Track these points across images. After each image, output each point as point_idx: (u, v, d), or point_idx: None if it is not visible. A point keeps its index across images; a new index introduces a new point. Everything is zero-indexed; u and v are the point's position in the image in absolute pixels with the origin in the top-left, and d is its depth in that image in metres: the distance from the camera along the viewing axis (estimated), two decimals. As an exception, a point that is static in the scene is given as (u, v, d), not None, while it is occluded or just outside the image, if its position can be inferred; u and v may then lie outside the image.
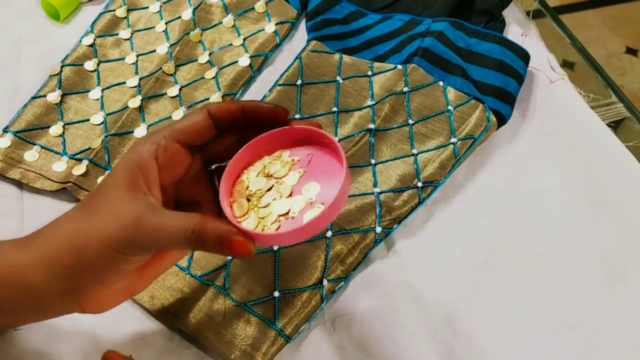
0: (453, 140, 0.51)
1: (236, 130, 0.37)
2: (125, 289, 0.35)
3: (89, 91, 0.56)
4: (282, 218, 0.34)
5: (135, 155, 0.34)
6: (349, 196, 0.49)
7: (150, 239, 0.32)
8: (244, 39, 0.61)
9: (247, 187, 0.36)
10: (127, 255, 0.32)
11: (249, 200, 0.35)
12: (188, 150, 0.36)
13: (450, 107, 0.54)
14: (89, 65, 0.57)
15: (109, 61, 0.59)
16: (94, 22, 0.61)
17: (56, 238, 0.33)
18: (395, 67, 0.57)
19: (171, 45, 0.60)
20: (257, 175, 0.36)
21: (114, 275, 0.33)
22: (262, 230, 0.33)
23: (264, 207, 0.34)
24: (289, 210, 0.34)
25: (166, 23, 0.62)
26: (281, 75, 0.58)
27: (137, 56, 0.59)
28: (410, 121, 0.53)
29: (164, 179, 0.35)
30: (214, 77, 0.58)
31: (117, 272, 0.33)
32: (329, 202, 0.32)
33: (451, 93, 0.55)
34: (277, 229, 0.33)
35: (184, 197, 0.37)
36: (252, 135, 0.36)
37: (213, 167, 0.38)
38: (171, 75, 0.58)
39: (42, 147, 0.51)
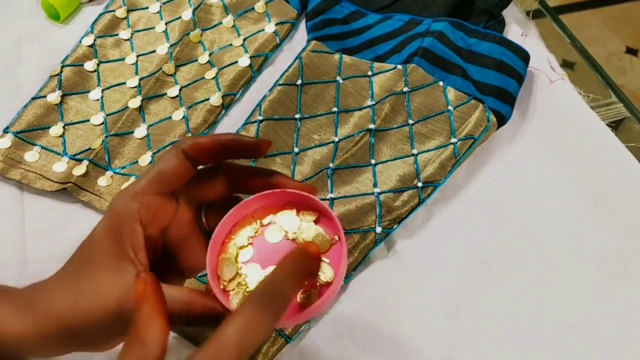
0: (453, 140, 0.51)
1: (226, 174, 0.35)
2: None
3: (89, 91, 0.56)
4: None
5: (117, 221, 0.32)
6: (349, 196, 0.49)
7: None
8: (244, 39, 0.61)
9: (237, 256, 0.33)
10: (118, 334, 0.32)
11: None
12: (171, 197, 0.34)
13: (450, 107, 0.54)
14: (89, 65, 0.58)
15: (109, 61, 0.59)
16: (94, 23, 0.61)
17: (49, 314, 0.32)
18: (395, 67, 0.57)
19: (171, 46, 0.60)
20: (246, 243, 0.34)
21: (110, 346, 0.33)
22: None
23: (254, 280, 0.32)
24: None
25: (166, 23, 0.62)
26: (281, 75, 0.58)
27: (137, 56, 0.59)
28: (410, 121, 0.53)
29: (150, 232, 0.33)
30: (214, 78, 0.58)
31: (112, 344, 0.33)
32: (325, 282, 0.30)
33: (451, 93, 0.55)
34: None
35: (172, 238, 0.35)
36: (239, 177, 0.34)
37: (202, 208, 0.36)
38: (171, 75, 0.58)
39: (42, 147, 0.51)
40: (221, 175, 0.35)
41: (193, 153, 0.33)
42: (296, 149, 0.53)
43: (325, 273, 0.32)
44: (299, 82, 0.57)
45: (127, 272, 0.31)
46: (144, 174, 0.34)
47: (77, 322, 0.31)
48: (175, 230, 0.35)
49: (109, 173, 0.50)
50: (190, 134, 0.53)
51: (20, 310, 0.33)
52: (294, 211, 0.34)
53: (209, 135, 0.34)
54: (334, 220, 0.32)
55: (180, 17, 0.62)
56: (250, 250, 0.33)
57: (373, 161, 0.51)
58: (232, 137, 0.34)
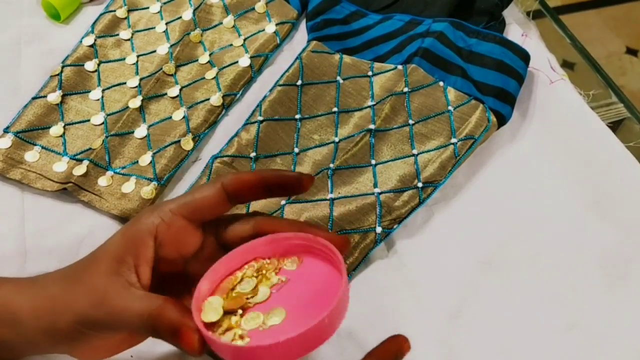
0: (453, 140, 0.51)
1: (257, 220, 0.35)
2: (118, 344, 0.35)
3: (89, 91, 0.56)
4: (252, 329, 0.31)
5: (134, 229, 0.33)
6: (349, 197, 0.49)
7: (111, 319, 0.31)
8: (244, 40, 0.61)
9: (230, 290, 0.33)
10: (94, 332, 0.32)
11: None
12: (198, 227, 0.34)
13: (450, 108, 0.54)
14: (90, 65, 0.58)
15: (110, 61, 0.59)
16: (94, 23, 0.61)
17: (44, 294, 0.33)
18: (396, 68, 0.57)
19: (171, 46, 0.60)
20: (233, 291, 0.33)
21: (86, 347, 0.33)
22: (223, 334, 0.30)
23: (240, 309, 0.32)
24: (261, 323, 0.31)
25: (166, 23, 0.62)
26: (281, 76, 0.58)
27: (138, 56, 0.59)
28: (411, 121, 0.53)
29: (166, 254, 0.33)
30: (214, 78, 0.58)
31: (88, 345, 0.33)
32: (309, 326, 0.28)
33: (451, 93, 0.55)
34: (236, 337, 0.30)
35: (196, 273, 0.35)
36: (270, 225, 0.34)
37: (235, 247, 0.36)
38: (171, 75, 0.58)
39: (42, 147, 0.52)
40: (252, 221, 0.35)
41: (233, 187, 0.33)
42: (296, 150, 0.53)
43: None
44: (299, 82, 0.57)
45: (121, 275, 0.32)
46: (178, 196, 0.34)
47: (60, 308, 0.32)
48: (199, 265, 0.35)
49: (109, 173, 0.50)
50: (190, 134, 0.53)
51: (23, 285, 0.34)
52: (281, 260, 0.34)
53: (253, 171, 0.34)
54: (342, 271, 0.30)
55: (180, 17, 0.62)
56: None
57: (373, 161, 0.51)
58: (274, 173, 0.34)
